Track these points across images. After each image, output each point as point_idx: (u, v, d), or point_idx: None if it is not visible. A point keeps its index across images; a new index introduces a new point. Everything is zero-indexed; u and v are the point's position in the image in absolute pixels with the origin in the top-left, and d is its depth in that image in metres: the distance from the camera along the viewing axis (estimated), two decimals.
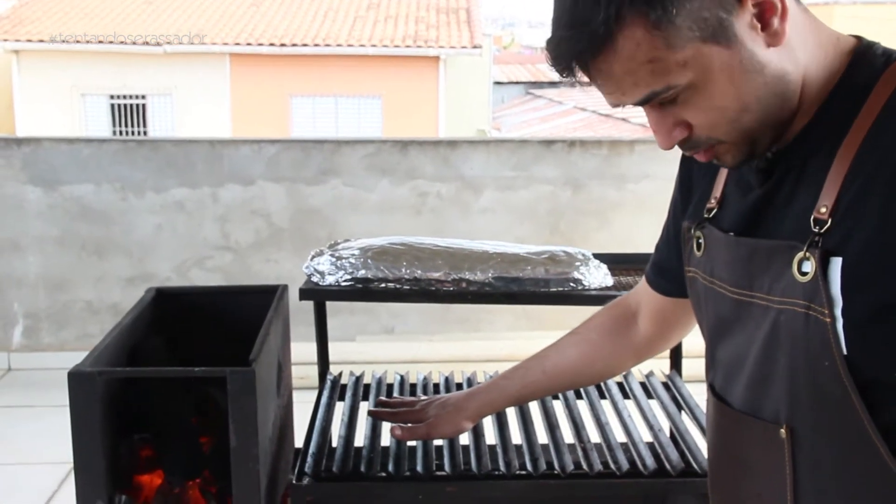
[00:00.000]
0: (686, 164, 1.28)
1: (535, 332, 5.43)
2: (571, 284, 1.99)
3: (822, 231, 0.96)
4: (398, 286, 1.97)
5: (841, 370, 0.95)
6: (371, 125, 15.99)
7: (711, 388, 1.19)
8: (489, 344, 5.26)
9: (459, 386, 2.17)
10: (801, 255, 0.97)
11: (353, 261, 1.98)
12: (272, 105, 15.73)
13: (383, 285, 1.98)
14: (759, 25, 0.96)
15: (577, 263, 1.99)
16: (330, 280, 2.00)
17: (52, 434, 3.88)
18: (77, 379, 1.62)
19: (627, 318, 1.52)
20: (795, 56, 0.99)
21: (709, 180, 1.20)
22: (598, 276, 2.01)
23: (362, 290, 1.99)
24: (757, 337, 1.05)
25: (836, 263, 0.95)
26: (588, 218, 5.42)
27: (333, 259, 2.00)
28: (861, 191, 0.94)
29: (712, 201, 1.17)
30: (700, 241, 1.17)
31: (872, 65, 1.00)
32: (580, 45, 0.96)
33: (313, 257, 2.04)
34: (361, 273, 1.97)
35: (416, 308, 5.43)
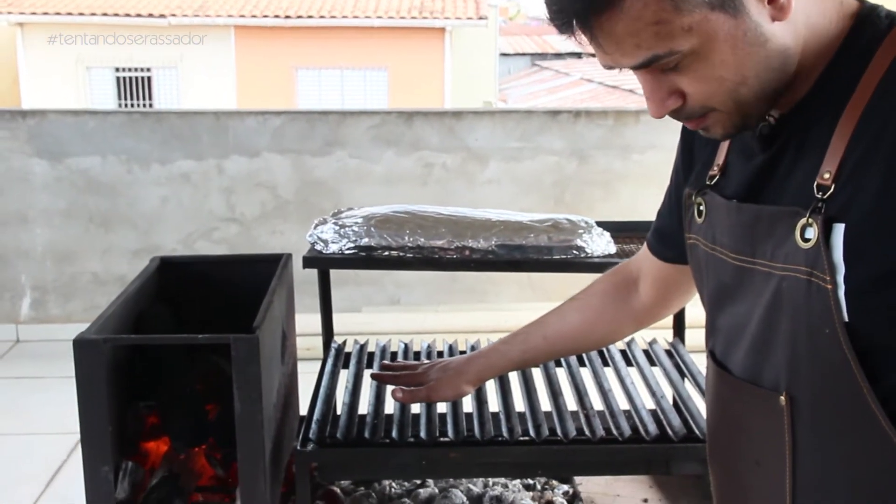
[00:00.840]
0: (688, 131, 1.27)
1: (541, 303, 5.44)
2: (574, 252, 1.99)
3: (825, 197, 0.95)
4: (401, 254, 1.98)
5: (841, 337, 0.95)
6: (377, 97, 15.93)
7: (711, 356, 1.19)
8: (494, 315, 5.27)
9: (463, 353, 2.18)
10: (803, 221, 0.97)
11: (356, 229, 1.99)
12: (277, 78, 15.68)
13: (386, 253, 1.98)
14: None
15: (581, 231, 1.99)
16: (333, 248, 2.01)
17: (60, 404, 3.91)
18: (83, 346, 1.63)
19: (628, 285, 1.52)
20: (797, 29, 0.98)
21: (712, 147, 1.19)
22: (601, 244, 2.01)
23: (365, 258, 1.99)
24: (758, 304, 1.04)
25: (839, 230, 0.94)
26: (593, 189, 5.41)
27: (337, 227, 2.00)
28: (864, 156, 0.93)
29: (715, 168, 1.16)
30: (701, 207, 1.16)
31: (875, 27, 0.99)
32: (584, 1, 0.93)
33: (317, 225, 2.05)
34: (365, 241, 1.98)
35: (422, 279, 5.44)
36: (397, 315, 5.31)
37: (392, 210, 2.03)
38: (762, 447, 1.09)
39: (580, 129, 5.37)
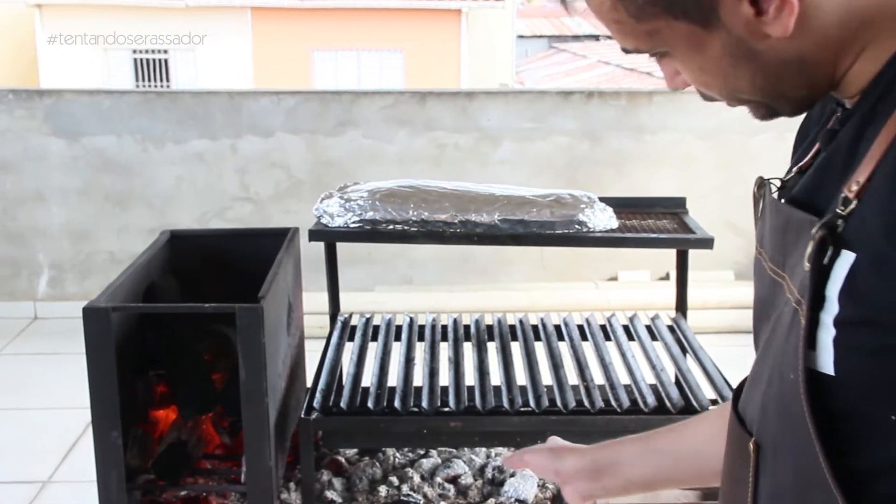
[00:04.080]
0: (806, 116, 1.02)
1: (553, 283, 5.46)
2: (577, 226, 2.01)
3: (846, 213, 0.76)
4: (406, 227, 2.01)
5: (801, 387, 0.77)
6: (393, 79, 15.92)
7: (736, 389, 1.01)
8: (506, 294, 5.29)
9: (467, 329, 2.21)
10: (814, 235, 0.77)
11: (361, 203, 2.02)
12: (294, 59, 15.68)
13: (391, 227, 2.01)
14: (752, 12, 0.78)
15: (583, 206, 2.02)
16: (339, 222, 2.04)
17: (77, 380, 3.93)
18: (91, 314, 1.67)
19: None
20: (825, 34, 0.80)
21: (813, 134, 0.96)
22: (602, 219, 2.03)
23: (370, 232, 2.02)
24: (770, 328, 0.87)
25: (846, 260, 0.74)
26: (606, 169, 5.41)
27: (342, 201, 2.04)
28: (889, 175, 0.74)
29: (807, 158, 0.94)
30: (762, 202, 0.96)
31: None
32: None
33: (323, 199, 2.08)
34: (370, 215, 2.01)
35: (435, 258, 5.46)
36: (410, 294, 5.34)
37: (397, 184, 2.06)
38: (736, 495, 0.94)
39: (592, 109, 5.36)
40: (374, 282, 5.51)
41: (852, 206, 0.75)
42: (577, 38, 23.03)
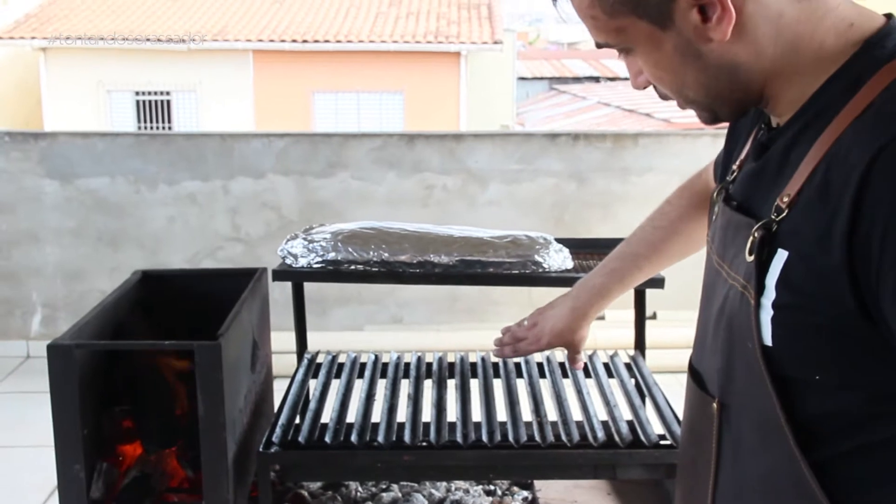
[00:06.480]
0: None
1: None
2: (532, 266, 2.08)
3: (779, 219, 0.96)
4: (366, 268, 2.07)
5: (759, 356, 0.96)
6: (393, 121, 16.08)
7: (690, 360, 1.20)
8: (493, 334, 5.30)
9: (429, 366, 2.27)
10: (754, 237, 0.98)
11: (324, 244, 2.08)
12: (295, 101, 15.86)
13: (352, 267, 2.07)
14: (699, 18, 0.96)
15: (538, 247, 2.08)
16: (302, 262, 2.10)
17: None
18: (55, 351, 1.74)
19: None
20: (759, 48, 0.97)
21: (744, 138, 1.18)
22: (557, 259, 2.09)
23: (332, 272, 2.09)
24: (716, 308, 1.07)
25: (781, 256, 0.94)
26: (592, 210, 5.49)
27: (306, 242, 2.10)
28: (819, 192, 0.92)
29: (738, 162, 1.16)
30: (716, 207, 1.16)
31: (874, 58, 0.95)
32: None
33: (287, 241, 2.15)
34: (332, 255, 2.07)
35: (425, 299, 5.52)
36: (399, 334, 5.38)
37: (359, 226, 2.13)
38: (699, 448, 1.11)
39: (579, 151, 5.45)
40: (364, 321, 5.56)
41: (784, 213, 0.95)
42: (577, 79, 23.25)
